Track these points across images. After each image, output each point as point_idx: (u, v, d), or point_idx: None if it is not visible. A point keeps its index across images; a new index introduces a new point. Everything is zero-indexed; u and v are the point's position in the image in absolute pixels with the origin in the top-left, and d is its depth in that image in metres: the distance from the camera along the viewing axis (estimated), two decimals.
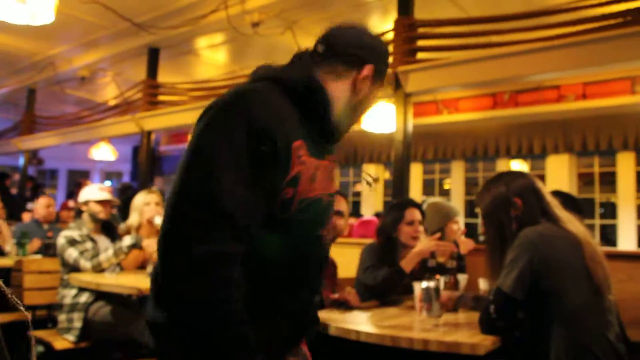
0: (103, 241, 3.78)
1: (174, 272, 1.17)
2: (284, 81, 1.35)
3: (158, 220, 3.72)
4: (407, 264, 2.85)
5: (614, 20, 3.78)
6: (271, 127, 1.24)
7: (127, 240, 3.60)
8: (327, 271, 2.92)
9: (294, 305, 1.38)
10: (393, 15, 4.87)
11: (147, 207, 3.91)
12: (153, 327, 1.32)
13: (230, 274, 1.18)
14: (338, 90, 1.43)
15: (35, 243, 5.09)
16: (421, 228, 3.17)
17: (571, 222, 2.15)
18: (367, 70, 1.44)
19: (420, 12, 4.74)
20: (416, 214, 3.13)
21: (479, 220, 7.84)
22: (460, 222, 4.18)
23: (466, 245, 3.42)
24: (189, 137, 1.29)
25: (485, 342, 1.92)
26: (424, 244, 2.91)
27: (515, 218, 2.18)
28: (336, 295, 2.65)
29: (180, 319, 1.19)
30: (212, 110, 1.27)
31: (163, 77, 7.25)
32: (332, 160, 1.46)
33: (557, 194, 2.44)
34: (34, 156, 10.24)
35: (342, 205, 2.87)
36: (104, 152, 8.59)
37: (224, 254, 1.17)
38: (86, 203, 3.77)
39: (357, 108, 1.48)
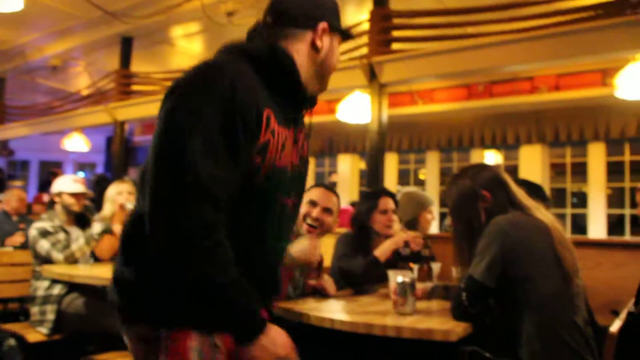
0: (76, 233, 3.74)
1: (166, 243, 1.21)
2: (249, 52, 1.36)
3: (130, 206, 3.69)
4: (382, 253, 2.88)
5: (585, 13, 3.83)
6: (242, 98, 1.25)
7: (97, 228, 3.57)
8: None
9: (260, 272, 1.40)
10: (368, 5, 4.88)
11: (120, 197, 3.87)
12: (120, 283, 1.36)
13: (219, 239, 1.23)
14: (299, 53, 1.43)
15: (18, 238, 5.02)
16: (395, 217, 3.19)
17: (539, 210, 2.19)
18: (322, 26, 1.45)
19: (396, 3, 4.75)
20: (390, 203, 3.16)
21: None
22: (434, 212, 4.23)
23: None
24: (160, 111, 1.29)
25: (457, 328, 1.95)
26: (399, 234, 2.94)
27: (485, 210, 2.21)
28: (314, 282, 2.65)
29: (179, 282, 1.25)
30: (181, 88, 1.28)
31: (137, 66, 7.16)
32: (302, 131, 1.47)
33: (522, 183, 2.48)
34: (4, 147, 10.05)
35: (331, 201, 2.74)
36: (76, 143, 8.46)
37: (210, 224, 1.21)
38: (59, 195, 3.72)
39: (322, 67, 1.49)
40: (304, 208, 2.66)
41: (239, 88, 1.25)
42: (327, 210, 2.70)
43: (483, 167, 2.33)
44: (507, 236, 2.06)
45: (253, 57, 1.35)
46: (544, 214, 2.16)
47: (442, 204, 8.00)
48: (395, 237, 2.95)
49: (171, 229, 1.19)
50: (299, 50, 1.43)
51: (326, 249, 2.92)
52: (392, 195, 3.23)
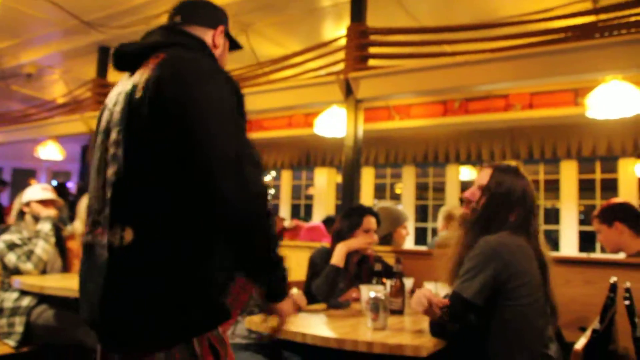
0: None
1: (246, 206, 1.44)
2: (201, 46, 1.67)
3: None
4: (338, 259, 2.98)
5: (556, 35, 3.93)
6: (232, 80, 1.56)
7: (45, 226, 3.56)
8: None
9: None
10: (346, 21, 4.92)
11: None
12: (147, 310, 1.41)
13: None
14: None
15: None
16: (376, 237, 3.22)
17: (545, 247, 2.29)
18: (221, 28, 1.78)
19: (374, 20, 4.81)
20: (373, 223, 3.19)
21: (429, 225, 7.98)
22: (408, 228, 4.27)
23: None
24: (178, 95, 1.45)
25: (427, 344, 1.98)
26: (351, 241, 3.07)
27: (506, 219, 2.25)
28: None
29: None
30: (200, 80, 1.47)
31: (113, 76, 7.12)
32: None
33: None
34: None
35: None
36: (50, 151, 8.35)
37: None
38: (28, 204, 3.67)
39: (219, 61, 1.74)
40: None
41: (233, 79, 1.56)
42: None
43: (529, 184, 2.39)
44: (500, 257, 2.10)
45: (205, 51, 1.67)
46: (544, 247, 2.28)
47: (417, 219, 8.06)
48: (346, 241, 3.05)
49: (249, 194, 1.44)
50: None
51: (292, 261, 2.94)
52: (375, 214, 3.25)
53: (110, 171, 1.48)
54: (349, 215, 3.25)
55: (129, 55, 1.59)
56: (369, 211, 3.26)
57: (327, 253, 3.13)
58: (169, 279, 1.40)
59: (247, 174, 1.43)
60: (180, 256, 1.42)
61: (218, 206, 1.41)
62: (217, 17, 1.78)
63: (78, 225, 3.87)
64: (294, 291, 2.60)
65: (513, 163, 2.42)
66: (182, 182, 1.42)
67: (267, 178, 9.72)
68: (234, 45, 1.88)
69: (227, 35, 1.82)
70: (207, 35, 1.73)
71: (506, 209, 2.26)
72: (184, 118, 1.42)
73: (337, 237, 3.18)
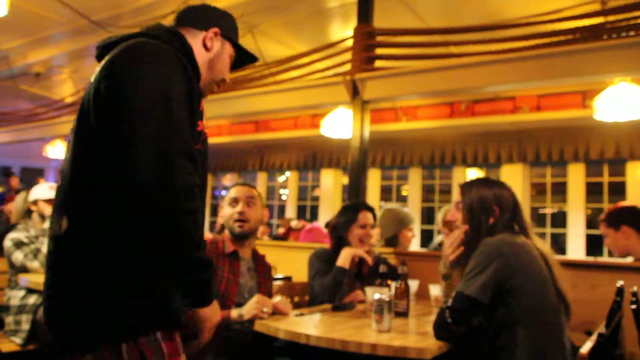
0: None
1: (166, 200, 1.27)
2: (172, 41, 1.52)
3: None
4: (343, 261, 2.97)
5: (564, 37, 3.91)
6: (190, 74, 1.44)
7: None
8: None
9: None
10: (353, 22, 4.91)
11: None
12: (72, 306, 1.34)
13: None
14: (193, 47, 1.60)
15: None
16: (376, 231, 3.21)
17: (538, 239, 2.29)
18: (214, 30, 1.65)
19: (380, 21, 4.80)
20: (369, 218, 3.18)
21: (435, 227, 7.96)
22: (414, 230, 4.25)
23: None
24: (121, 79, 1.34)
25: (432, 346, 1.96)
26: (359, 251, 3.05)
27: (489, 224, 2.27)
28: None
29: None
30: (146, 63, 1.36)
31: None
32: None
33: None
34: None
35: (251, 192, 2.78)
36: (59, 150, 8.40)
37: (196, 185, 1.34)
38: (35, 202, 3.69)
39: (211, 68, 1.66)
40: (227, 210, 2.73)
41: (187, 66, 1.45)
42: (249, 202, 2.73)
43: (503, 187, 2.42)
44: (501, 254, 2.11)
45: (175, 47, 1.49)
46: (542, 244, 2.27)
47: (424, 221, 8.04)
48: (354, 249, 3.04)
49: (171, 186, 1.26)
50: (193, 45, 1.60)
51: (296, 262, 2.93)
52: (371, 209, 3.25)
53: (64, 163, 1.45)
54: (344, 211, 3.26)
55: (103, 49, 1.50)
56: (364, 206, 3.26)
57: (326, 254, 3.14)
58: (96, 275, 1.31)
59: (174, 165, 1.26)
60: (107, 252, 1.31)
61: (133, 197, 1.25)
62: (209, 19, 1.66)
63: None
64: (277, 298, 2.55)
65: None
66: (111, 174, 1.30)
67: (281, 179, 9.74)
68: (245, 56, 1.79)
69: (235, 45, 1.72)
70: (197, 38, 1.62)
71: (486, 214, 2.28)
72: (113, 99, 1.31)
73: (334, 232, 3.20)
